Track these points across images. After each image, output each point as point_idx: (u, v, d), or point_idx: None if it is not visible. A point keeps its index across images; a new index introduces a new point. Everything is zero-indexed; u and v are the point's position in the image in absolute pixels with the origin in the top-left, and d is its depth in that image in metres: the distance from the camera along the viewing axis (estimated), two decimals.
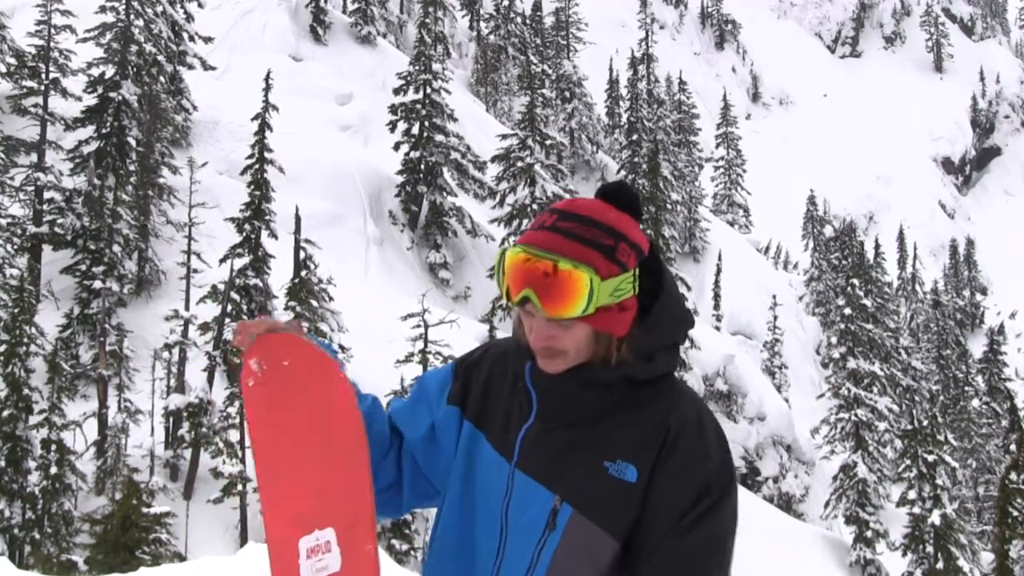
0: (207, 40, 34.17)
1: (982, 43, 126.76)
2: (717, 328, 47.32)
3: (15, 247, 24.59)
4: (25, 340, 20.30)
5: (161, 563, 13.48)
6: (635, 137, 51.23)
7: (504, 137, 37.46)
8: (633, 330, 1.78)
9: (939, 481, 29.34)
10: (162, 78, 29.81)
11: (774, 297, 49.48)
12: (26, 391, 20.11)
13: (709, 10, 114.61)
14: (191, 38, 33.40)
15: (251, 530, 20.74)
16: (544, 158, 36.34)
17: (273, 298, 24.48)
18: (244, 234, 24.62)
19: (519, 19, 63.70)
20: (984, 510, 42.11)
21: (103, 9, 28.26)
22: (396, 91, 37.34)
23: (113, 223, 24.87)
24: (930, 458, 29.32)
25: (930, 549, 29.18)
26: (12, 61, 27.55)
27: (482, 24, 64.69)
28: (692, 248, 52.51)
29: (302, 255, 23.66)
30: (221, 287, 23.11)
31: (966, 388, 51.73)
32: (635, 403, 1.80)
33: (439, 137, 36.28)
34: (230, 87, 36.46)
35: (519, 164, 35.24)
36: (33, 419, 20.11)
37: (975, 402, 49.70)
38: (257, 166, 25.04)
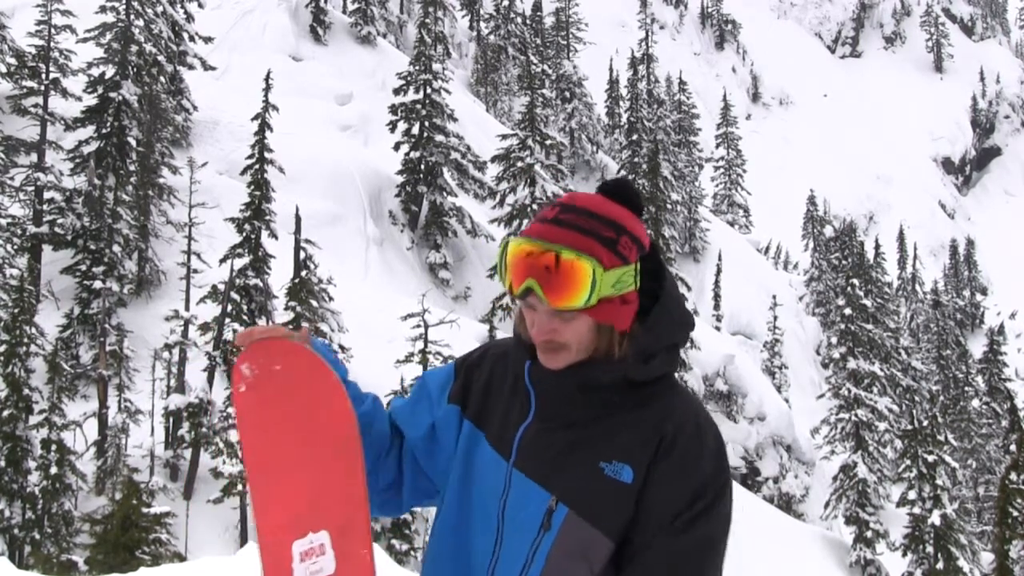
0: (207, 40, 34.18)
1: (982, 43, 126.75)
2: (717, 328, 47.30)
3: (15, 247, 24.59)
4: (25, 340, 20.32)
5: (161, 563, 13.49)
6: (635, 137, 51.23)
7: (504, 137, 37.47)
8: (634, 329, 1.78)
9: (939, 481, 29.33)
10: (162, 78, 29.81)
11: (774, 297, 49.46)
12: (26, 391, 20.13)
13: (709, 10, 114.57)
14: (191, 38, 33.41)
15: (251, 530, 20.72)
16: (544, 158, 36.35)
17: (273, 298, 24.48)
18: (244, 234, 24.64)
19: (519, 19, 63.70)
20: (984, 510, 42.09)
21: (103, 9, 28.26)
22: (396, 91, 37.33)
23: (113, 223, 24.87)
24: (930, 458, 29.32)
25: (930, 549, 29.18)
26: (12, 61, 27.55)
27: (482, 24, 64.69)
28: (692, 248, 52.49)
29: (302, 255, 23.67)
30: (221, 287, 23.13)
31: (966, 388, 51.75)
32: (633, 404, 1.80)
33: (439, 137, 36.26)
34: (230, 87, 36.46)
35: (519, 164, 35.25)
36: (33, 419, 20.14)
37: (975, 402, 49.71)
38: (257, 166, 25.06)
